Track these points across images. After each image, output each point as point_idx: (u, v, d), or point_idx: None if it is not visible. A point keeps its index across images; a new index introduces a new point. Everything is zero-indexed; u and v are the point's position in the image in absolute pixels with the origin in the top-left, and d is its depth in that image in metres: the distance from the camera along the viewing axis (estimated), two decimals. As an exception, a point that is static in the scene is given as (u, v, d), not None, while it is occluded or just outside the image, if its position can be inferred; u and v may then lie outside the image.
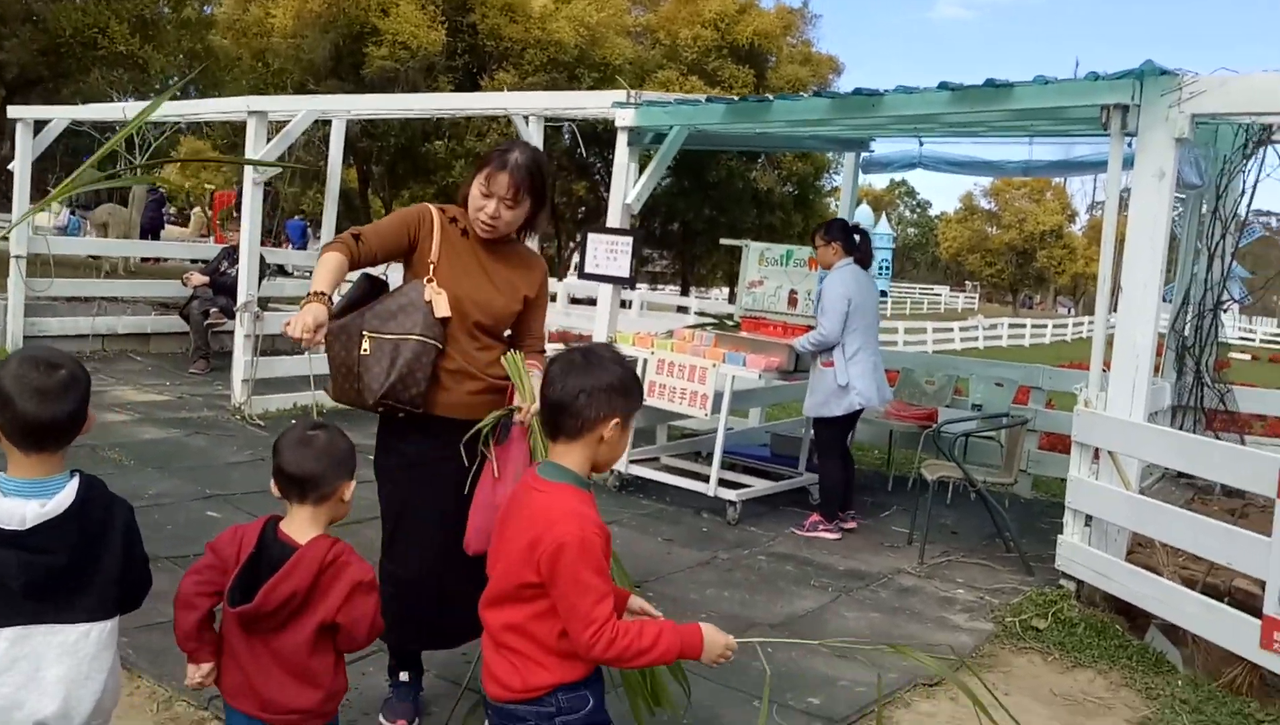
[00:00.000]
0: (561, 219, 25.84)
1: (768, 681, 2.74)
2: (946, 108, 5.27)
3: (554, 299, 17.00)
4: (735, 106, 6.13)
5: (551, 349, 2.92)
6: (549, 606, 2.12)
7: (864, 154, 8.44)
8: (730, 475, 7.09)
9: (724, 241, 9.00)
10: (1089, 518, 5.13)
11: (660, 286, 33.49)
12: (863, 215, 55.59)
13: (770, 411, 9.43)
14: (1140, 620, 4.95)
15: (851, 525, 6.42)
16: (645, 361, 6.68)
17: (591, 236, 6.91)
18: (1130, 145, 4.93)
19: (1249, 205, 6.55)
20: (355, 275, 3.16)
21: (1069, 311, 52.04)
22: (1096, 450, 5.08)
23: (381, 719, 3.30)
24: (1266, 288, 6.62)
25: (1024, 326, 33.35)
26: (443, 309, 2.95)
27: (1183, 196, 6.87)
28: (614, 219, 6.81)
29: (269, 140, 7.73)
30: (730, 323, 7.48)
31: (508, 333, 3.29)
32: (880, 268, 54.47)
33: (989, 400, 7.72)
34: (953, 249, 58.62)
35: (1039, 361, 9.96)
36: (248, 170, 7.76)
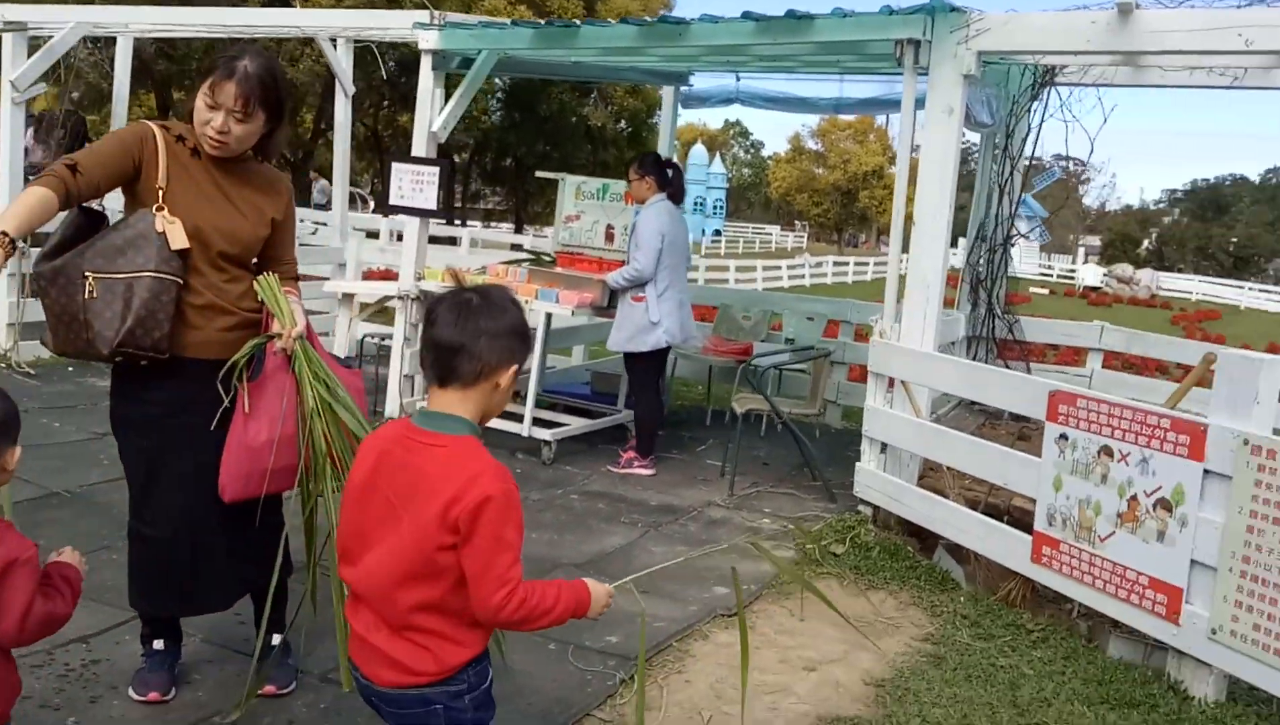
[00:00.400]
0: (386, 151, 24.84)
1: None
2: (751, 38, 5.24)
3: (375, 235, 16.33)
4: (542, 31, 5.92)
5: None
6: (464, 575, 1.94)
7: (683, 88, 8.39)
8: (549, 415, 7.01)
9: (540, 174, 8.79)
10: (884, 445, 5.33)
11: (494, 224, 32.87)
12: (697, 155, 55.92)
13: (595, 349, 9.39)
14: (930, 541, 5.19)
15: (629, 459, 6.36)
16: (455, 299, 6.46)
17: (396, 166, 6.60)
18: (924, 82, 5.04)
19: (1035, 145, 6.84)
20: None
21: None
22: (891, 379, 5.26)
23: (131, 692, 3.04)
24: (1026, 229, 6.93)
25: (847, 264, 34.62)
26: (179, 240, 2.64)
27: (978, 135, 7.14)
28: (419, 147, 6.51)
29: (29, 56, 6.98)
30: (547, 259, 7.34)
31: (254, 261, 3.01)
32: (715, 207, 55.42)
33: (801, 334, 7.91)
34: (782, 189, 60.02)
35: (859, 297, 10.29)
36: (5, 89, 6.99)
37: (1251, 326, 30.93)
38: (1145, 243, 69.30)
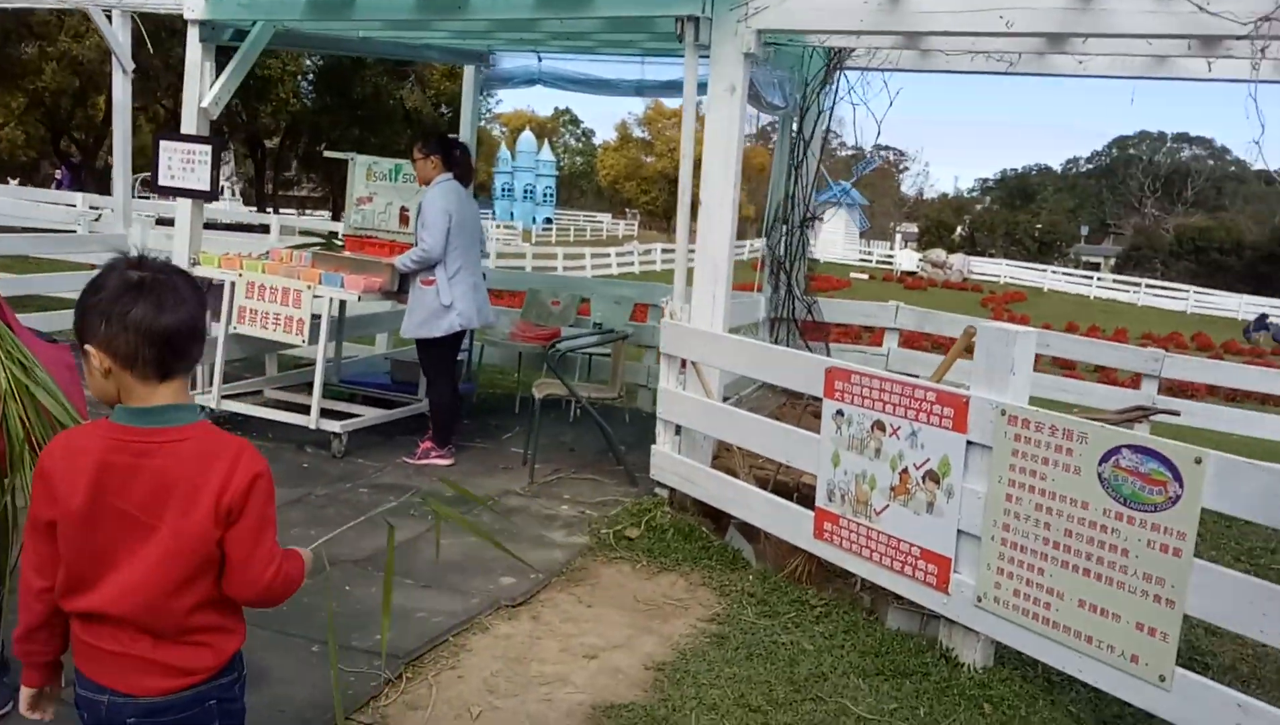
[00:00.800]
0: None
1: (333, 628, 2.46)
2: (533, 13, 5.07)
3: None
4: (316, 1, 5.56)
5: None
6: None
7: (486, 69, 8.14)
8: (343, 406, 6.67)
9: (329, 154, 8.36)
10: (679, 427, 5.29)
11: (310, 211, 31.49)
12: (526, 142, 55.59)
13: (399, 337, 9.03)
14: (724, 522, 5.19)
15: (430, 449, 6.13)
16: (233, 284, 6.03)
17: (164, 144, 6.10)
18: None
19: (828, 128, 6.96)
20: None
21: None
22: (683, 361, 5.21)
23: None
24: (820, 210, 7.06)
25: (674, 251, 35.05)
26: None
27: (775, 118, 7.22)
28: (189, 124, 6.03)
29: None
30: (337, 242, 6.96)
31: None
32: (545, 195, 55.31)
33: (609, 318, 7.82)
34: (611, 176, 60.15)
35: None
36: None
37: (1053, 307, 33.26)
38: (959, 229, 73.38)
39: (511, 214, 51.54)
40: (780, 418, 5.32)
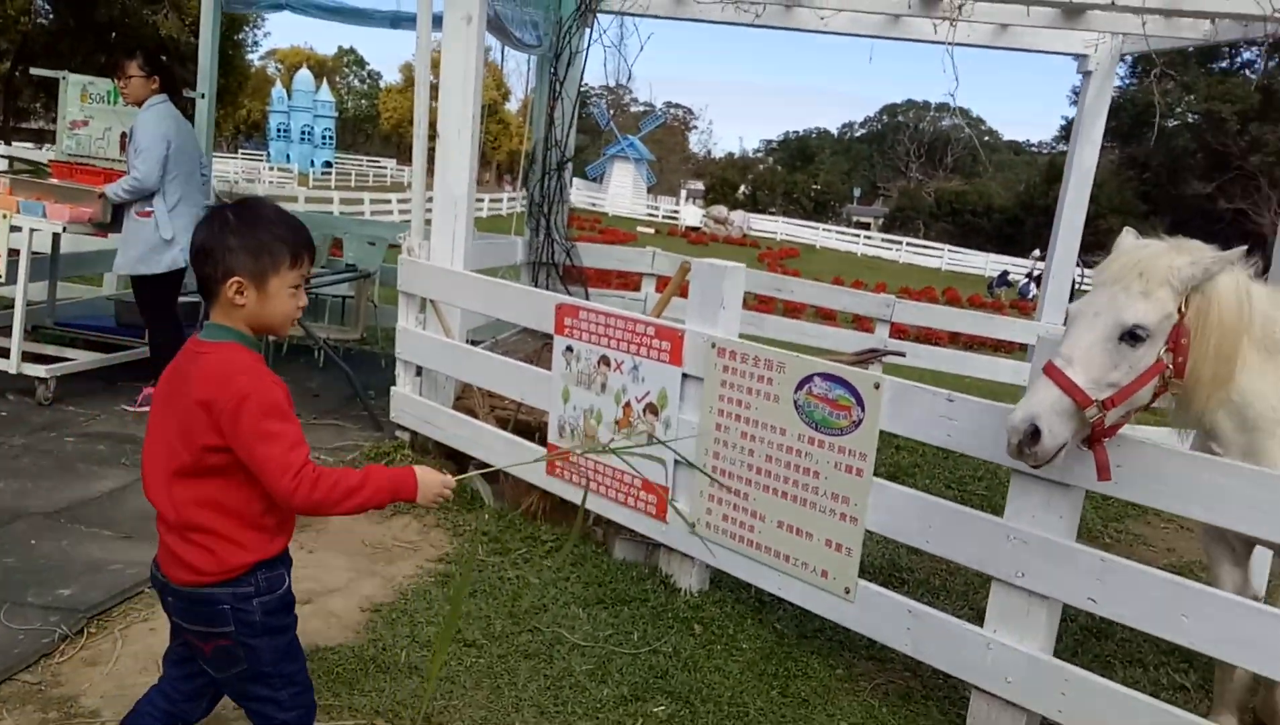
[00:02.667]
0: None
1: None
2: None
3: None
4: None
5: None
6: (245, 476, 2.04)
7: (228, -10, 7.57)
8: (54, 350, 6.09)
9: (36, 71, 7.55)
10: (419, 368, 5.16)
11: (49, 145, 28.52)
12: (303, 80, 52.54)
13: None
14: (466, 464, 5.13)
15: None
16: (-88, 214, 5.34)
17: None
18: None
19: (582, 71, 6.93)
20: None
21: (511, 187, 54.78)
22: (424, 300, 5.08)
23: None
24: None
25: (482, 201, 34.28)
26: None
27: (531, 59, 7.12)
28: None
29: None
30: (45, 169, 6.31)
31: None
32: (324, 138, 52.57)
33: (363, 259, 7.52)
34: (394, 120, 57.87)
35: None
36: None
37: (824, 263, 34.97)
38: (742, 187, 75.80)
39: (288, 156, 48.79)
40: (534, 361, 5.29)
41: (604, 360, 4.06)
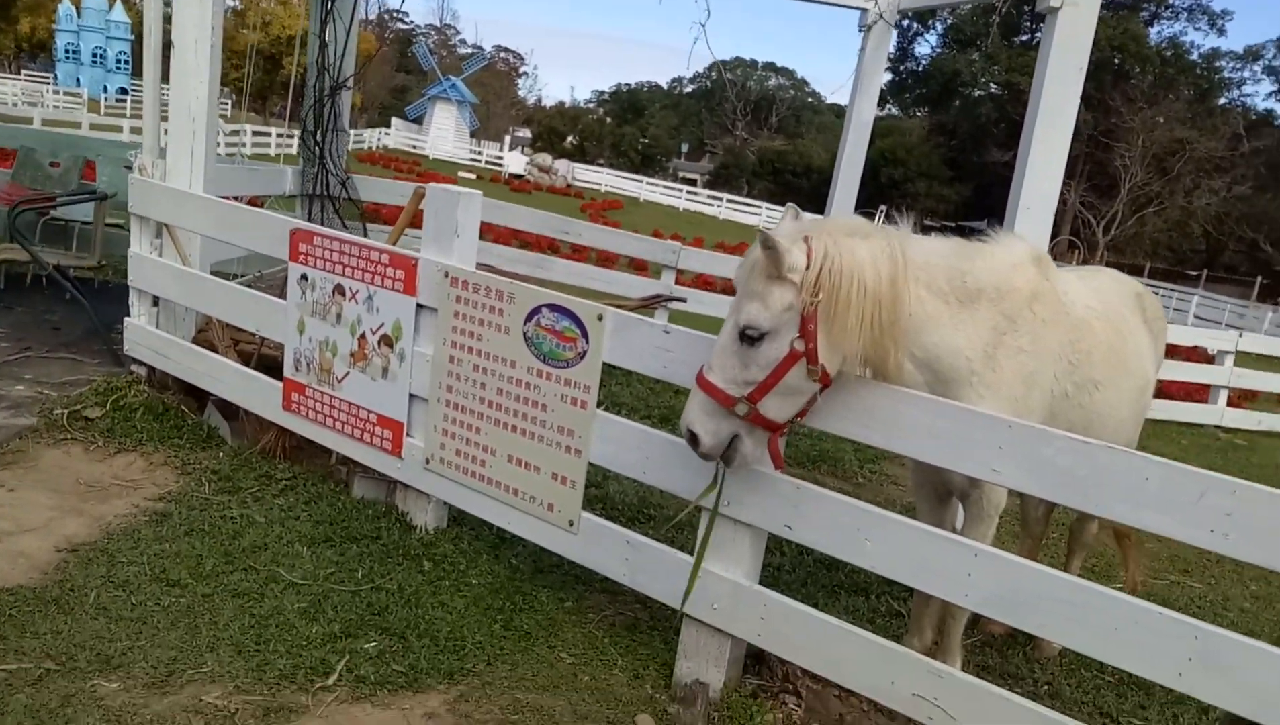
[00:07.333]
0: None
1: None
2: None
3: None
4: None
5: None
6: None
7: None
8: None
9: None
10: (156, 298, 4.80)
11: None
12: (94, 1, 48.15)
13: None
14: (205, 399, 4.83)
15: None
16: None
17: None
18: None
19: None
20: None
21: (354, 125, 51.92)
22: (159, 224, 4.71)
23: None
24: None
25: (269, 135, 32.45)
26: None
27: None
28: None
29: None
30: None
31: None
32: (118, 62, 48.51)
33: (119, 184, 6.94)
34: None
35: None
36: None
37: (646, 217, 35.16)
38: (570, 137, 75.09)
39: (78, 80, 44.80)
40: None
41: (339, 289, 3.87)
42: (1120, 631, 2.40)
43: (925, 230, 2.72)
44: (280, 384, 4.19)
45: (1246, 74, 50.21)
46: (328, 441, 4.08)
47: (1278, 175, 46.35)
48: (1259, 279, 43.65)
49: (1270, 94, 49.97)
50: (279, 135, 31.49)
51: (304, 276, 3.98)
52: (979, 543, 2.70)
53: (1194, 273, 45.43)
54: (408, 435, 3.79)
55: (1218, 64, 49.86)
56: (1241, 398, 11.22)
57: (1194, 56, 49.29)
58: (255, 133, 31.23)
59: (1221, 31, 50.73)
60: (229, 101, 46.52)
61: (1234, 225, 46.21)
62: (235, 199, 6.24)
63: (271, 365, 4.65)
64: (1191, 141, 43.67)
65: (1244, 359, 10.76)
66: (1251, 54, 49.29)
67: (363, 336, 3.83)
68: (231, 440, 4.53)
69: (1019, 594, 2.55)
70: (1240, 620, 4.76)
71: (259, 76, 48.18)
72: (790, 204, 2.88)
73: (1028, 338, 2.85)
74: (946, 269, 2.77)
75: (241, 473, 4.20)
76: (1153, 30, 49.32)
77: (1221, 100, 49.29)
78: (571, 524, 3.35)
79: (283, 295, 4.19)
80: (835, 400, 2.74)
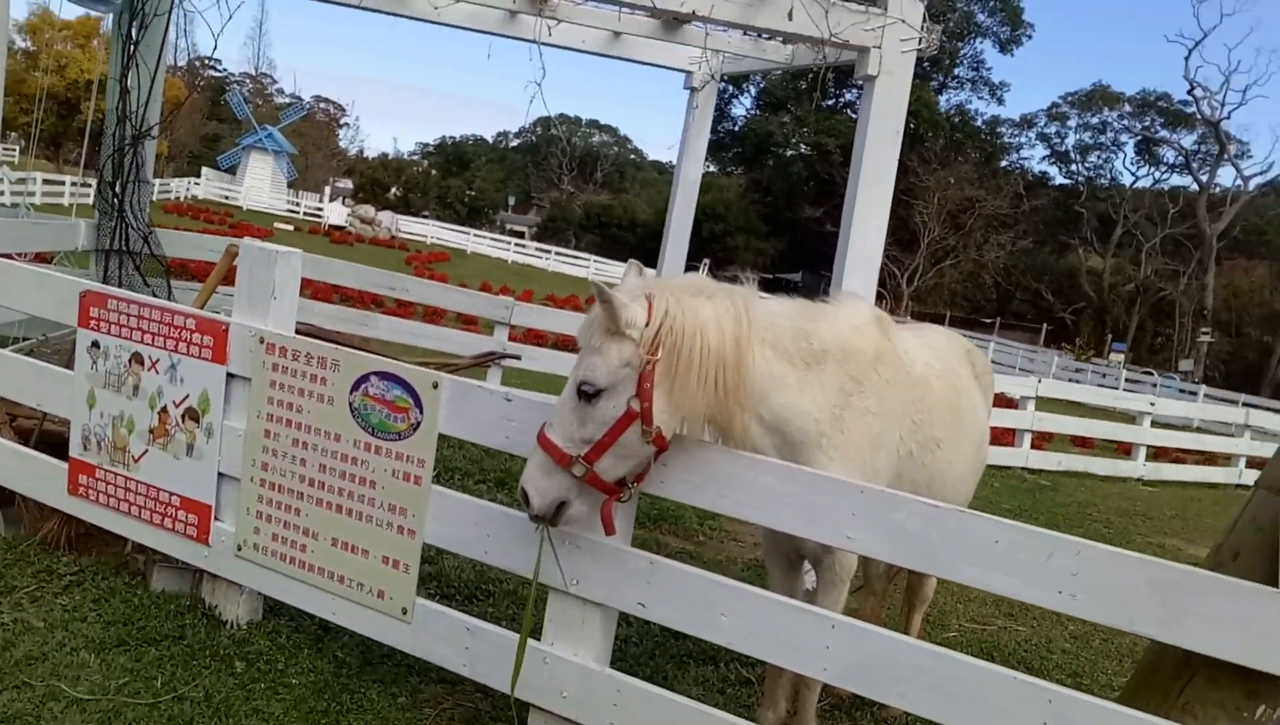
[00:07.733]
0: None
1: None
2: None
3: None
4: None
5: None
6: None
7: None
8: None
9: None
10: (-87, 369, 4.20)
11: None
12: None
13: None
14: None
15: None
16: None
17: None
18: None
19: (164, 34, 6.14)
20: None
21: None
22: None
23: None
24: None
25: (63, 184, 30.19)
26: None
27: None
28: None
29: None
30: None
31: None
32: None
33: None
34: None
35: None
36: None
37: (475, 268, 34.75)
38: (394, 189, 73.76)
39: None
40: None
41: (137, 357, 3.48)
42: (981, 700, 2.36)
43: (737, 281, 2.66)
44: (65, 465, 3.72)
45: (1023, 139, 55.10)
46: (122, 528, 3.63)
47: (1055, 231, 50.86)
48: (1044, 326, 47.53)
49: (1044, 157, 54.72)
50: (74, 184, 29.33)
51: (95, 343, 3.56)
52: (833, 611, 2.63)
53: (988, 321, 48.84)
54: (216, 519, 3.42)
55: (999, 130, 54.51)
56: (1042, 439, 11.97)
57: (979, 123, 53.67)
58: (46, 181, 28.99)
59: (1000, 101, 55.29)
60: (16, 148, 43.03)
61: (1020, 276, 50.30)
62: (19, 256, 5.63)
63: (55, 443, 4.13)
64: (980, 200, 47.41)
65: (1043, 403, 11.50)
66: (1026, 121, 54.19)
67: (164, 410, 3.44)
68: (4, 531, 3.98)
69: (877, 664, 2.48)
70: (1064, 662, 4.94)
71: (52, 122, 44.96)
72: (632, 260, 2.78)
73: (874, 399, 2.82)
74: (792, 329, 2.72)
75: (16, 569, 3.68)
76: (942, 98, 53.40)
77: (1004, 162, 53.80)
78: (405, 612, 3.07)
79: (70, 364, 3.74)
80: (685, 466, 2.62)
